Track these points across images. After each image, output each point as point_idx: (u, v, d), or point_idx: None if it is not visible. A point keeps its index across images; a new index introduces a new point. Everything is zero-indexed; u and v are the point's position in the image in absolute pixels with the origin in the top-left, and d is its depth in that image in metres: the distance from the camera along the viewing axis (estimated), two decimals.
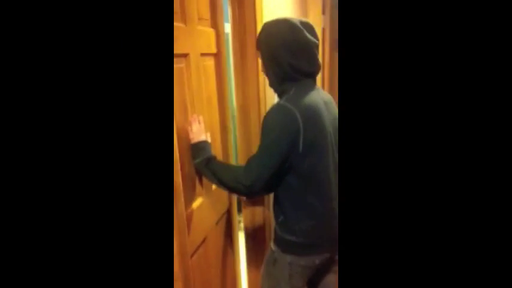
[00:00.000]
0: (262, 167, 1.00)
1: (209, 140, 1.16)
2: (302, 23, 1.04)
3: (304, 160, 1.02)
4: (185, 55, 1.08)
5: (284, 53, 1.02)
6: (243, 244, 1.74)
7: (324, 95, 1.11)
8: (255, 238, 1.69)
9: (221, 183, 1.07)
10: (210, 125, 1.27)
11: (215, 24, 1.27)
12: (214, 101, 1.31)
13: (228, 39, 1.48)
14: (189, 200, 1.13)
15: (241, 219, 1.74)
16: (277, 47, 1.03)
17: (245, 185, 1.01)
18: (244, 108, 1.57)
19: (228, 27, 1.43)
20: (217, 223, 1.37)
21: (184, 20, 1.06)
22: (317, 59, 1.08)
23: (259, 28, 1.45)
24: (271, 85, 1.13)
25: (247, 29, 1.46)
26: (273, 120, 1.00)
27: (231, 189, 1.08)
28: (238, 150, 1.66)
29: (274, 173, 1.01)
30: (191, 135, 1.11)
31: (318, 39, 1.06)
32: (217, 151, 1.30)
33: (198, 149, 1.11)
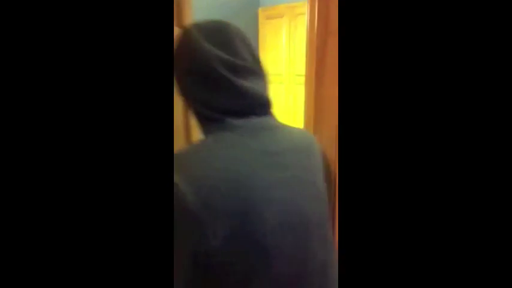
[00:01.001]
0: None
1: None
2: (209, 27, 0.60)
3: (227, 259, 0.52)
4: None
5: (183, 78, 0.62)
6: None
7: (275, 142, 0.59)
8: None
9: None
10: None
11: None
12: None
13: None
14: None
15: None
16: (176, 69, 0.63)
17: None
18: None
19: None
20: None
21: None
22: (238, 87, 0.58)
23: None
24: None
25: (329, 31, 0.97)
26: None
27: None
28: None
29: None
30: None
31: (243, 58, 0.59)
32: None
33: None
